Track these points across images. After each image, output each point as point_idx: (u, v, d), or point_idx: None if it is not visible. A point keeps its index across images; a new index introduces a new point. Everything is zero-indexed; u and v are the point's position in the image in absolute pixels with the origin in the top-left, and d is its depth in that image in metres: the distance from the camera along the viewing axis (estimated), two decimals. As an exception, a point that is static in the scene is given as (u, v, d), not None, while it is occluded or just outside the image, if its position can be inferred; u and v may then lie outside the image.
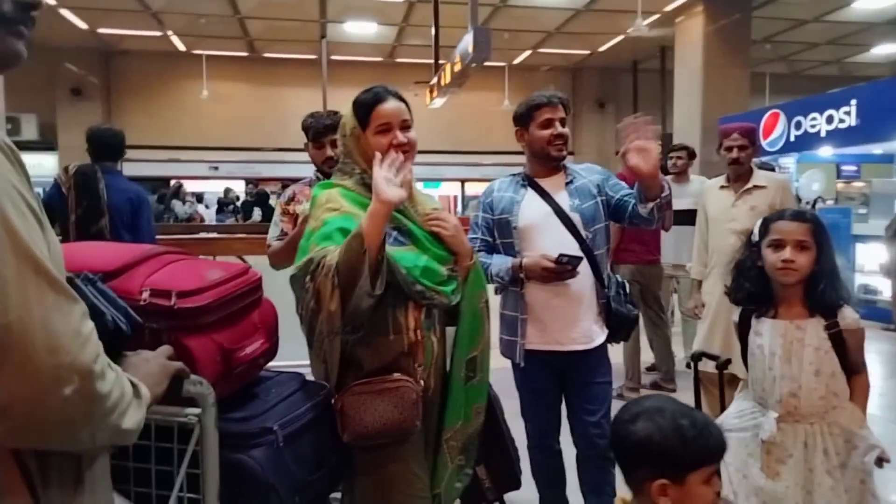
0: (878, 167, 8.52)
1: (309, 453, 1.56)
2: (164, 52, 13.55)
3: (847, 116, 7.33)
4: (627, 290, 2.37)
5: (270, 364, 1.72)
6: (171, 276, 1.45)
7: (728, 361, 2.30)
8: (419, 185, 1.90)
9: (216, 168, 14.52)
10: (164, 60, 13.82)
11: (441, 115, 10.72)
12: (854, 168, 8.61)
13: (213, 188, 13.54)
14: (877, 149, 8.02)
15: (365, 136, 1.70)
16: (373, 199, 1.53)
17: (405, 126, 1.72)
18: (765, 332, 1.87)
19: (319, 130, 2.68)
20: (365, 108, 1.72)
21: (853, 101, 7.27)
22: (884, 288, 6.97)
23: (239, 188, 13.64)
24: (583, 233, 2.24)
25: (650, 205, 2.11)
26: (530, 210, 2.27)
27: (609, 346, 2.35)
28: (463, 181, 14.64)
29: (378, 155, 1.59)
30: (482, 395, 1.85)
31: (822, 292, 1.79)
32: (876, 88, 7.51)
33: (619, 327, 2.32)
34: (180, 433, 1.29)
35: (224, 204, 12.11)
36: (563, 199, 2.27)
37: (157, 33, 12.22)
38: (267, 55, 14.20)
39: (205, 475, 1.28)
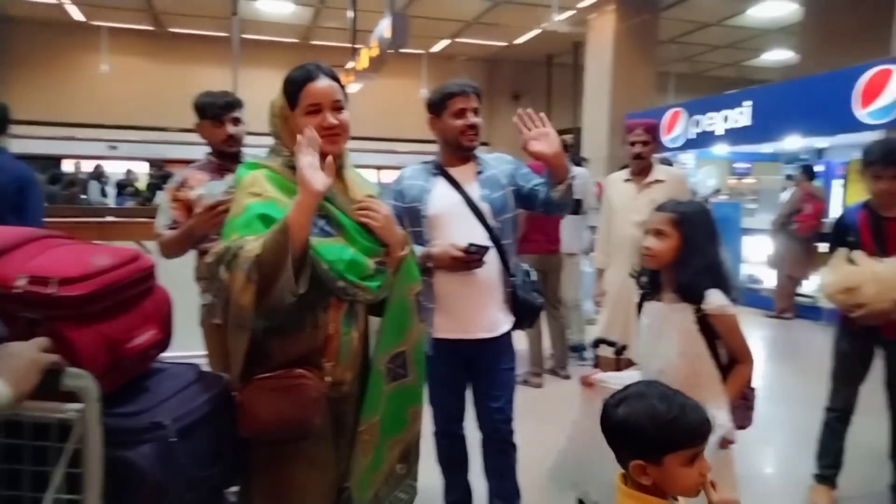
0: (768, 165, 9.12)
1: (204, 448, 1.50)
2: (59, 22, 12.62)
3: (741, 117, 7.80)
4: (533, 278, 2.43)
5: (165, 355, 1.65)
6: (52, 262, 1.35)
7: (624, 347, 2.41)
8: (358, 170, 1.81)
9: (115, 148, 13.72)
10: (60, 30, 12.90)
11: (357, 101, 10.47)
12: (747, 165, 9.17)
13: (113, 169, 12.78)
14: (767, 148, 8.58)
15: (294, 116, 1.61)
16: (300, 190, 1.44)
17: (337, 107, 1.62)
18: (647, 312, 2.01)
19: (219, 105, 2.57)
20: (294, 86, 1.61)
21: (747, 103, 7.74)
22: (767, 278, 7.52)
23: (141, 169, 12.94)
24: (491, 222, 2.26)
25: (561, 186, 2.16)
26: (440, 199, 2.28)
27: (513, 332, 2.40)
28: (378, 168, 14.51)
29: (299, 138, 1.49)
30: (417, 397, 1.79)
31: (681, 277, 1.91)
32: (768, 91, 8.04)
33: (526, 315, 2.38)
34: (60, 430, 1.21)
35: (123, 186, 11.46)
36: (474, 188, 2.29)
37: (52, 0, 11.36)
38: (173, 30, 13.52)
39: (86, 474, 1.21)
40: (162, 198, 2.59)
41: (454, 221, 2.25)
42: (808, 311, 6.94)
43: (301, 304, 1.50)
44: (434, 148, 2.41)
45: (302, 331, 1.57)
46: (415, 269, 1.77)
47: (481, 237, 2.23)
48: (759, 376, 4.85)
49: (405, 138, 14.46)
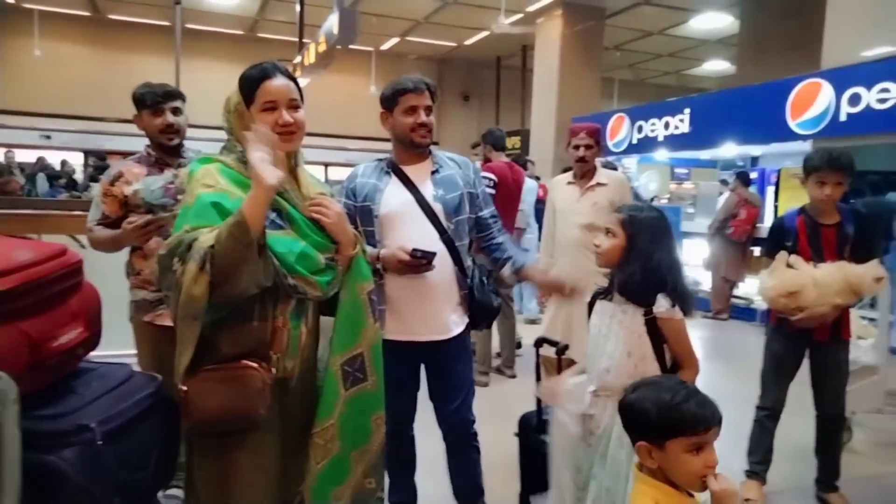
0: (705, 171, 9.45)
1: (134, 451, 1.46)
2: (-15, 3, 11.99)
3: (681, 123, 8.04)
4: (491, 278, 2.40)
5: (94, 355, 1.58)
6: (-31, 257, 1.28)
7: (566, 347, 2.44)
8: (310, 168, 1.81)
9: (49, 137, 13.11)
10: (-14, 12, 12.23)
11: (305, 97, 10.38)
12: (686, 171, 9.46)
13: (47, 159, 12.22)
14: (705, 154, 8.88)
15: (249, 113, 1.60)
16: (253, 185, 1.44)
17: (293, 105, 1.64)
18: (598, 311, 2.03)
19: (159, 95, 2.50)
20: (250, 83, 1.62)
21: (686, 110, 7.99)
22: (704, 280, 7.78)
23: (76, 160, 12.42)
24: (444, 223, 2.22)
25: (512, 275, 2.40)
26: (392, 198, 2.23)
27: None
28: (326, 165, 14.33)
29: (249, 133, 1.48)
30: (380, 403, 1.76)
31: (621, 277, 1.94)
32: (706, 100, 8.31)
33: (483, 316, 2.36)
34: (-26, 434, 1.14)
35: (54, 177, 10.95)
36: (427, 188, 2.24)
37: (-23, -20, 10.79)
38: (113, 17, 13.01)
39: (2, 480, 1.15)
40: (96, 191, 2.50)
41: (406, 221, 2.21)
42: (743, 312, 7.21)
43: (250, 296, 1.50)
44: (384, 146, 2.37)
45: (248, 322, 1.55)
46: (366, 267, 1.76)
47: (433, 238, 2.20)
48: (700, 376, 4.98)
49: (354, 135, 14.35)
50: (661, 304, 1.89)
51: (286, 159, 1.56)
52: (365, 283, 1.73)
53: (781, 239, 2.79)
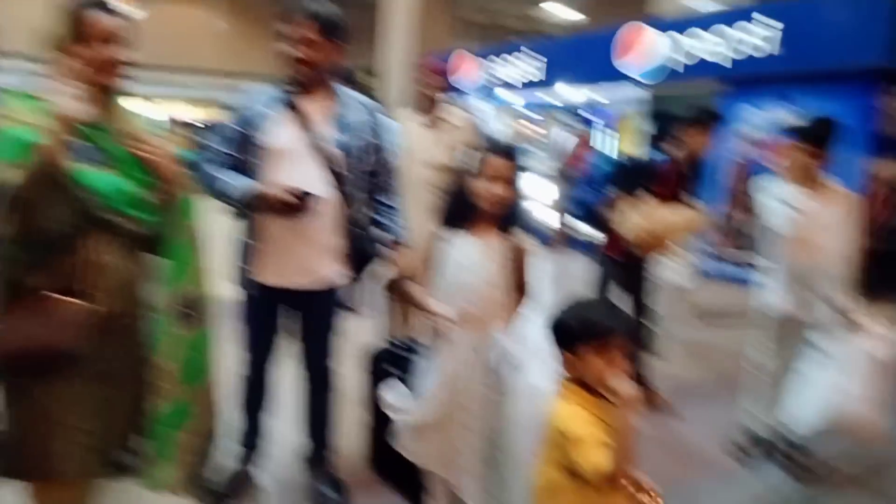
0: (552, 114, 9.84)
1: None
2: None
3: (530, 67, 8.33)
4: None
5: None
6: None
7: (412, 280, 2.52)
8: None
9: None
10: None
11: (141, 25, 9.45)
12: (533, 113, 9.79)
13: None
14: (551, 97, 9.26)
15: (70, 47, 1.58)
16: (55, 117, 1.44)
17: (115, 41, 1.61)
18: (459, 245, 2.04)
19: None
20: (73, 16, 1.59)
21: (536, 54, 8.26)
22: (550, 217, 8.28)
23: None
24: (340, 170, 2.12)
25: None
26: (283, 133, 2.09)
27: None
28: (165, 99, 13.23)
29: (47, 69, 1.49)
30: (209, 341, 1.77)
31: (512, 217, 2.03)
32: (553, 44, 8.64)
33: (359, 265, 2.30)
34: None
35: None
36: (326, 129, 2.12)
37: None
38: None
39: None
40: None
41: (294, 161, 2.08)
42: (576, 244, 7.80)
43: (62, 232, 1.50)
44: (227, 81, 2.25)
45: (60, 257, 1.53)
46: (192, 207, 1.75)
47: (320, 182, 2.08)
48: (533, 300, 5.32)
49: (196, 68, 13.34)
50: (523, 237, 2.04)
51: (105, 95, 1.55)
52: (192, 222, 1.74)
53: (639, 180, 3.20)
